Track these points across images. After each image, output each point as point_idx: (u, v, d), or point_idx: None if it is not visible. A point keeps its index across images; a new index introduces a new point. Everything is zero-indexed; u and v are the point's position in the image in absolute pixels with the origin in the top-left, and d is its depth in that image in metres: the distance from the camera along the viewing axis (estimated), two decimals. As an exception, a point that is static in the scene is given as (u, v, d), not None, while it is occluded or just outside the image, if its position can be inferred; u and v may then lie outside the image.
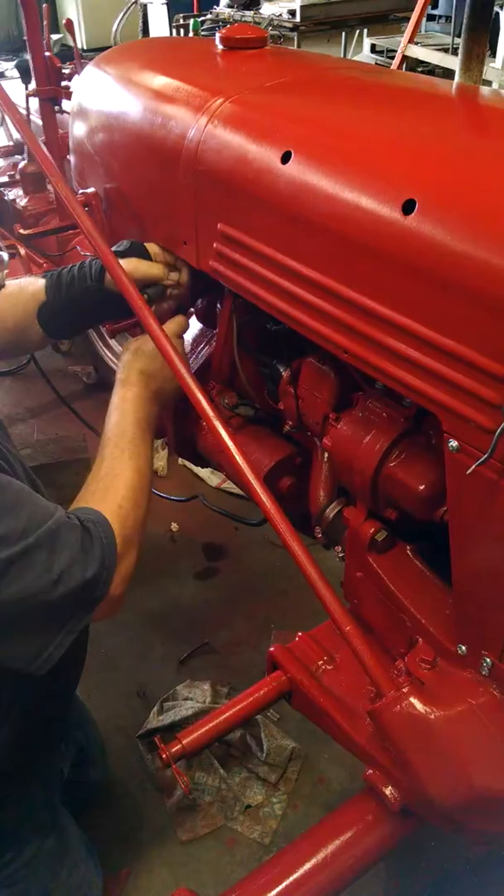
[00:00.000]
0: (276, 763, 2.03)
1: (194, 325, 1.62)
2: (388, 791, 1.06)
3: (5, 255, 1.05)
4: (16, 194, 3.49)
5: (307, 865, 1.04)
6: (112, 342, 3.48)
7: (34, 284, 1.38)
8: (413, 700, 0.99)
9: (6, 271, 1.06)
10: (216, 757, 2.04)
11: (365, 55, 6.87)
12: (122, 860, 1.85)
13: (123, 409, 1.26)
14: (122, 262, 1.30)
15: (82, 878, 1.50)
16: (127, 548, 1.11)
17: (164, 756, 1.14)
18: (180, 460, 3.05)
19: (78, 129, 1.60)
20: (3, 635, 1.00)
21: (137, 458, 1.21)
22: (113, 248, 1.30)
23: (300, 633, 1.30)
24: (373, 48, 6.86)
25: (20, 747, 1.22)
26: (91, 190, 1.59)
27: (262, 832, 1.92)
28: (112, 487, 1.16)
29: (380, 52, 6.76)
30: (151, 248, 1.38)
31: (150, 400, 1.29)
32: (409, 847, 1.77)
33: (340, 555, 1.31)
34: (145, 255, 1.36)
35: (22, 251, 3.27)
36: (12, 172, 3.57)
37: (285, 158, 1.05)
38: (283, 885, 1.03)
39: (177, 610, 2.55)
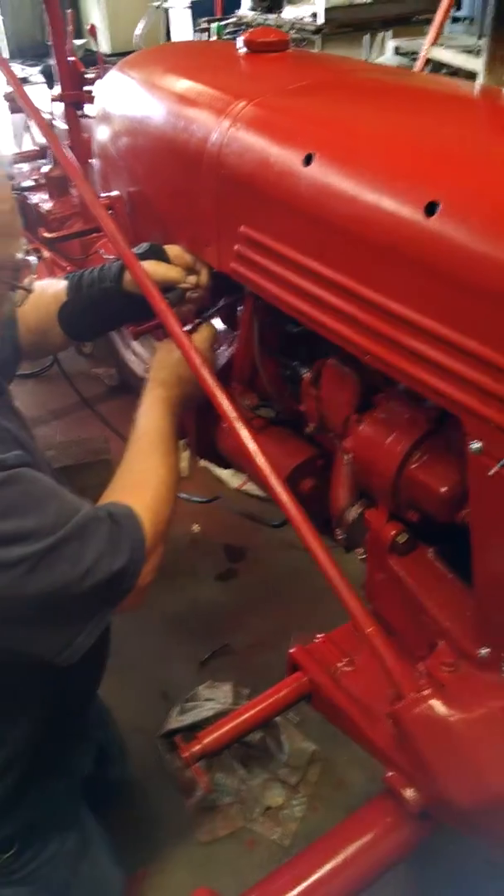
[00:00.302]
0: (297, 765, 2.03)
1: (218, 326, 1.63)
2: (407, 794, 1.06)
3: (33, 259, 1.07)
4: (40, 198, 3.53)
5: (326, 867, 1.04)
6: (134, 344, 3.50)
7: (56, 286, 1.40)
8: (434, 702, 0.98)
9: (34, 275, 1.08)
10: (236, 758, 2.04)
11: (388, 58, 6.84)
12: (141, 860, 1.86)
13: (159, 409, 1.29)
14: (141, 264, 1.31)
15: (102, 875, 1.51)
16: (156, 541, 1.13)
17: (184, 755, 1.15)
18: (202, 461, 3.06)
19: (102, 133, 1.62)
20: (33, 626, 1.01)
21: (169, 455, 1.24)
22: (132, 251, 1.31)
23: (320, 635, 1.30)
24: (396, 50, 6.83)
25: (43, 743, 1.24)
26: (114, 193, 1.61)
27: (282, 834, 1.92)
28: (146, 482, 1.18)
29: (403, 55, 6.73)
30: (171, 250, 1.39)
31: (181, 404, 1.33)
32: (429, 850, 1.76)
33: (361, 557, 1.31)
34: (164, 258, 1.37)
35: (46, 254, 3.31)
36: (37, 177, 3.61)
37: (307, 161, 1.05)
38: (302, 886, 1.03)
39: (197, 611, 2.55)
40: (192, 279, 1.39)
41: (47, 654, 1.05)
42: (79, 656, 1.05)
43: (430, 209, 0.87)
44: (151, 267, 1.34)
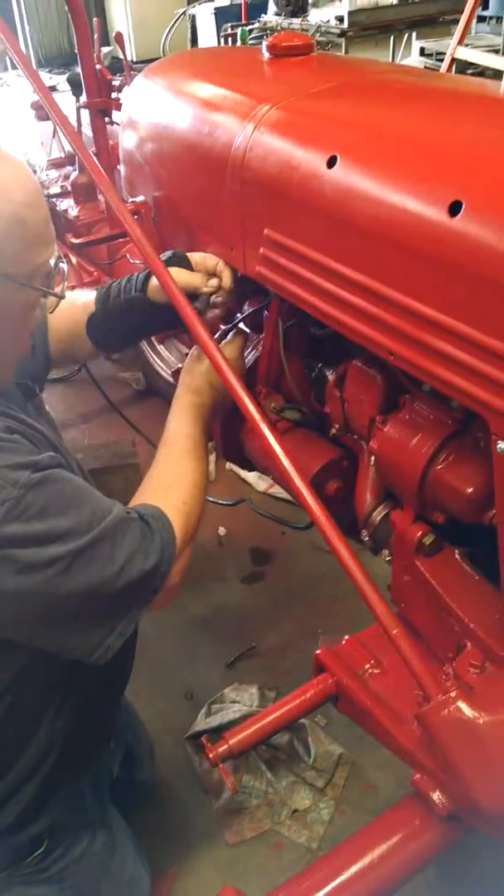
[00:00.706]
0: (324, 768, 2.03)
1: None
2: (435, 796, 1.05)
3: (65, 266, 1.08)
4: (68, 204, 3.57)
5: (353, 869, 1.04)
6: (160, 348, 3.53)
7: (86, 296, 1.42)
8: (461, 704, 0.98)
9: (66, 282, 1.09)
10: (263, 761, 2.04)
11: (414, 59, 6.82)
12: (169, 860, 1.87)
13: (192, 415, 1.31)
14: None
15: (130, 875, 1.52)
16: (185, 542, 1.15)
17: (210, 756, 1.15)
18: (228, 464, 3.07)
19: (128, 140, 1.63)
20: (67, 625, 1.03)
21: (199, 460, 1.26)
22: None
23: (347, 637, 1.30)
24: (422, 51, 6.80)
25: (71, 743, 1.25)
26: (140, 199, 1.63)
27: (310, 837, 1.92)
28: (176, 485, 1.20)
29: (429, 56, 6.70)
30: (194, 256, 1.40)
31: (212, 411, 1.34)
32: (460, 853, 1.74)
33: (388, 558, 1.31)
34: (186, 265, 1.38)
35: (73, 260, 3.34)
36: (64, 183, 3.66)
37: (331, 163, 1.06)
38: (329, 887, 1.03)
39: (224, 613, 2.56)
40: (213, 283, 1.39)
41: (80, 653, 1.06)
42: (111, 655, 1.06)
43: (454, 209, 0.87)
44: (173, 274, 1.35)
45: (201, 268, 1.39)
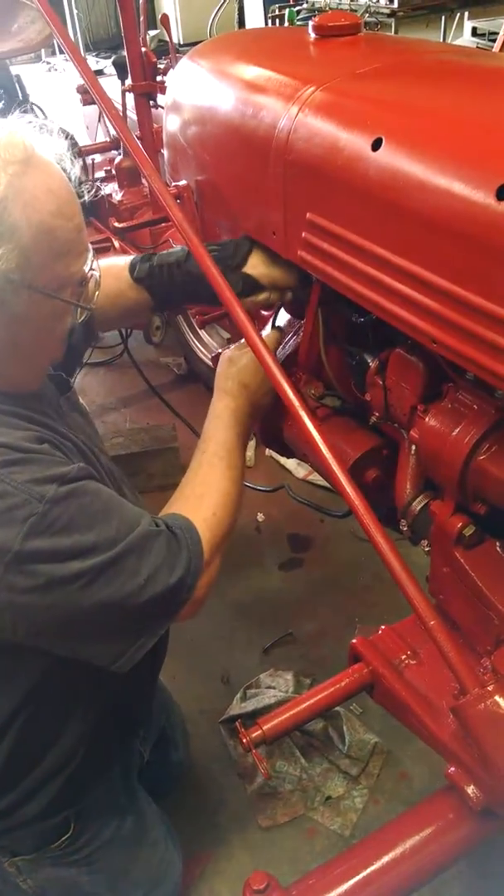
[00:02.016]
0: (358, 757, 2.02)
1: (282, 316, 1.62)
2: (469, 790, 1.04)
3: (98, 274, 1.05)
4: (112, 189, 3.59)
5: (384, 859, 1.03)
6: (202, 333, 3.53)
7: (122, 260, 1.44)
8: (498, 698, 0.96)
9: (98, 292, 1.07)
10: (298, 747, 2.05)
11: (466, 39, 6.66)
12: (201, 843, 1.89)
13: (225, 420, 1.29)
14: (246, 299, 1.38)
15: (161, 858, 1.53)
16: (213, 554, 1.13)
17: (244, 741, 1.16)
18: (267, 451, 3.07)
19: (171, 123, 1.63)
20: (89, 636, 1.03)
21: (234, 468, 1.25)
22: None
23: (384, 627, 1.29)
24: (474, 31, 6.64)
25: (103, 732, 1.26)
26: (183, 183, 1.62)
27: (343, 824, 1.92)
28: (207, 495, 1.19)
29: (481, 35, 6.53)
30: (255, 269, 1.40)
31: (249, 414, 1.33)
32: (497, 848, 1.73)
33: (427, 549, 1.29)
34: (256, 285, 1.40)
35: (116, 244, 3.36)
36: (109, 167, 3.67)
37: (376, 145, 1.03)
38: (360, 876, 1.02)
39: (261, 599, 2.57)
40: (286, 297, 1.43)
41: (102, 663, 1.06)
42: (133, 664, 1.06)
43: (502, 192, 0.85)
44: (251, 300, 1.40)
45: (267, 280, 1.41)
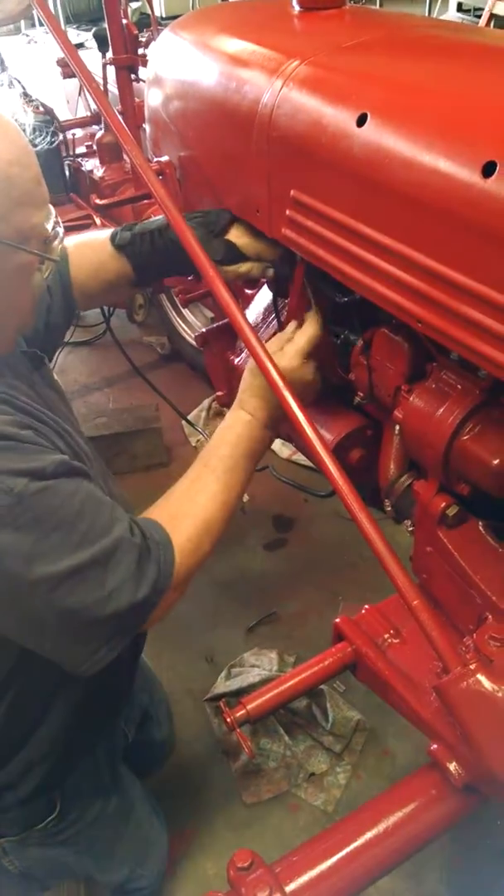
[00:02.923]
0: (341, 733, 2.04)
1: (266, 295, 1.61)
2: (452, 767, 1.05)
3: (62, 230, 1.02)
4: (93, 165, 3.53)
5: (368, 835, 1.04)
6: (185, 312, 3.50)
7: (103, 233, 1.41)
8: (480, 677, 0.97)
9: (63, 246, 1.04)
10: (281, 724, 2.06)
11: (451, 14, 6.60)
12: (186, 820, 1.91)
13: (235, 433, 1.22)
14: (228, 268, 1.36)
15: (146, 836, 1.55)
16: (183, 577, 1.09)
17: (228, 720, 1.16)
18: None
19: (153, 97, 1.60)
20: (51, 640, 1.00)
21: (229, 489, 1.18)
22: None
23: (367, 606, 1.29)
24: (459, 7, 6.59)
25: (87, 713, 1.25)
26: (165, 159, 1.59)
27: (326, 800, 1.94)
28: (194, 514, 1.14)
29: (466, 11, 6.49)
30: (239, 239, 1.38)
31: (263, 427, 1.24)
32: (475, 822, 1.76)
33: (410, 529, 1.29)
34: (237, 254, 1.38)
35: (98, 221, 3.31)
36: (90, 143, 3.61)
37: (361, 121, 1.02)
38: (343, 852, 1.03)
39: (246, 579, 2.58)
40: (268, 272, 1.41)
41: (67, 666, 1.04)
42: (99, 668, 1.03)
43: (489, 170, 0.84)
44: (233, 269, 1.37)
45: (251, 250, 1.39)
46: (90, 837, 1.40)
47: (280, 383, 1.14)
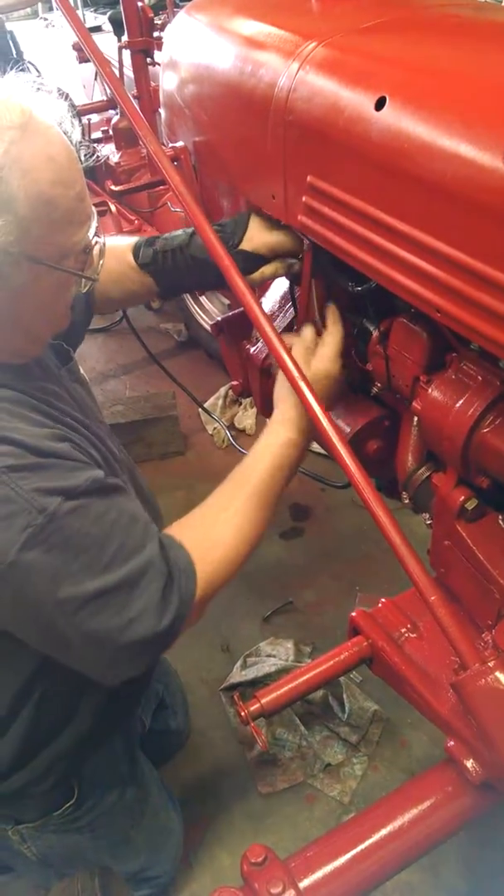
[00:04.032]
0: (358, 724, 2.03)
1: (282, 283, 1.59)
2: (469, 764, 1.03)
3: (103, 241, 1.01)
4: (109, 150, 3.51)
5: (383, 832, 1.03)
6: (202, 299, 3.48)
7: (125, 241, 1.40)
8: (499, 674, 0.95)
9: (102, 262, 1.03)
10: (297, 715, 2.06)
11: (473, -8, 6.47)
12: (202, 809, 1.91)
13: (272, 454, 1.17)
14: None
15: (162, 825, 1.55)
16: (201, 602, 1.07)
17: (242, 714, 1.15)
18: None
19: (168, 81, 1.57)
20: (73, 655, 1.01)
21: (261, 509, 1.14)
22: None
23: (383, 599, 1.28)
24: (481, -16, 6.45)
25: (107, 711, 1.25)
26: (180, 144, 1.57)
27: (342, 791, 1.93)
28: (221, 544, 1.11)
29: (489, -11, 6.35)
30: (262, 239, 1.37)
31: (299, 446, 1.20)
32: (493, 815, 1.75)
33: (428, 522, 1.27)
34: (259, 260, 1.37)
35: (113, 207, 3.29)
36: (106, 128, 3.59)
37: (379, 105, 0.99)
38: (358, 849, 1.02)
39: (262, 568, 2.56)
40: (296, 264, 1.38)
41: (91, 676, 1.04)
42: (121, 680, 1.04)
43: (511, 155, 0.81)
44: (258, 275, 1.37)
45: (282, 248, 1.37)
46: (107, 825, 1.40)
47: (297, 376, 1.13)
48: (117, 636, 0.96)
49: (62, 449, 0.96)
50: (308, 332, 1.30)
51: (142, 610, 0.97)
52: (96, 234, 0.99)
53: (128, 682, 1.17)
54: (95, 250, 1.00)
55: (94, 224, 0.98)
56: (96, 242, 0.99)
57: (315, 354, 1.26)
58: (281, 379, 1.23)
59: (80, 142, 0.97)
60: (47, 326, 1.05)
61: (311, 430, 1.19)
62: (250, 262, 1.36)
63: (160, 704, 1.71)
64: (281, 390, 1.23)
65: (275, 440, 1.18)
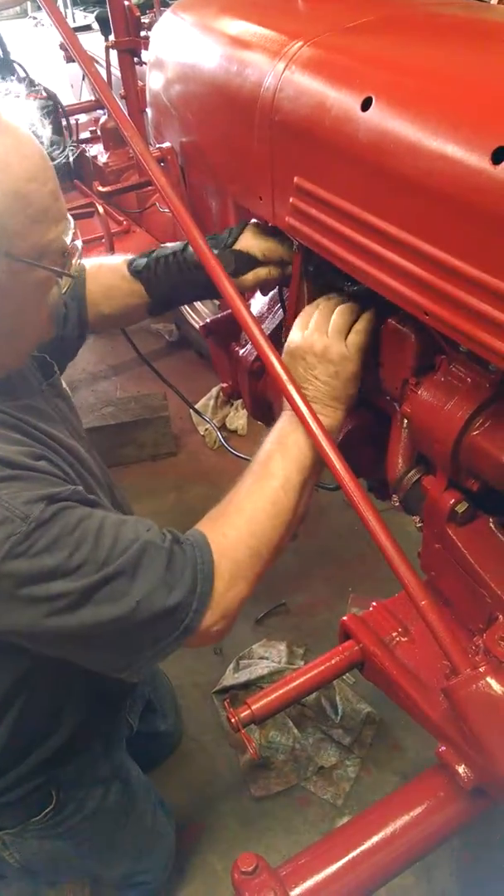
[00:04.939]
0: (351, 727, 2.03)
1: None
2: (460, 769, 1.02)
3: (80, 244, 1.01)
4: (97, 150, 3.49)
5: (374, 839, 1.02)
6: (193, 300, 3.47)
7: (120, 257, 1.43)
8: (490, 680, 0.94)
9: (80, 261, 1.03)
10: (291, 717, 2.05)
11: (462, -10, 6.47)
12: (196, 813, 1.90)
13: (288, 447, 1.14)
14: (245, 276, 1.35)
15: (150, 829, 1.53)
16: (232, 581, 1.03)
17: (233, 720, 1.14)
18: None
19: (154, 81, 1.56)
20: (87, 651, 0.99)
21: (288, 491, 1.12)
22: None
23: (375, 603, 1.27)
24: (471, -18, 6.45)
25: (89, 720, 1.25)
26: (167, 145, 1.56)
27: (335, 794, 1.93)
28: (240, 510, 1.08)
29: (478, -13, 6.35)
30: (257, 245, 1.37)
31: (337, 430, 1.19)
32: (486, 818, 1.74)
33: (418, 525, 1.26)
34: (252, 261, 1.36)
35: (101, 209, 3.28)
36: (94, 128, 3.57)
37: (365, 105, 0.98)
38: (350, 856, 1.01)
39: (254, 570, 2.55)
40: (288, 269, 1.37)
41: (107, 672, 1.03)
42: (142, 673, 1.02)
43: (498, 156, 0.80)
44: (252, 276, 1.36)
45: (273, 255, 1.37)
46: (90, 829, 1.39)
47: (282, 373, 1.12)
48: (129, 620, 0.94)
49: (40, 465, 0.95)
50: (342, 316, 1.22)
51: (149, 589, 0.95)
52: (74, 239, 0.99)
53: (109, 692, 1.16)
54: (75, 256, 1.00)
55: (70, 227, 0.98)
56: (74, 247, 0.99)
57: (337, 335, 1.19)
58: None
59: (53, 141, 0.97)
60: (30, 331, 1.03)
61: (339, 405, 1.17)
62: (242, 262, 1.36)
63: (148, 707, 1.69)
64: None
65: (294, 429, 1.15)
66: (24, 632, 0.94)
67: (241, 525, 1.06)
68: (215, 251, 1.34)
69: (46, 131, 0.97)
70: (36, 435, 1.02)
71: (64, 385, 1.26)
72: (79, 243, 1.01)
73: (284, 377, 1.12)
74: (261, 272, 1.38)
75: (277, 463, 1.12)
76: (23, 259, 0.92)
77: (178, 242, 1.40)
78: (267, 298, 1.58)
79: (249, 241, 1.38)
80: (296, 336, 1.21)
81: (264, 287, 1.46)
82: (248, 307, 1.18)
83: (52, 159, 0.96)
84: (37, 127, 0.95)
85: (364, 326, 1.20)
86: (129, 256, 1.43)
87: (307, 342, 1.19)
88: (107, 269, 1.41)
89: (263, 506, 1.09)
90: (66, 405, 1.21)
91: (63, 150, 1.06)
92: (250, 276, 1.37)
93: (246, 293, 1.50)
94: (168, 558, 0.97)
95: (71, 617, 0.92)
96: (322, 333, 1.19)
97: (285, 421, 1.16)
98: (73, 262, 1.01)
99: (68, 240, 0.98)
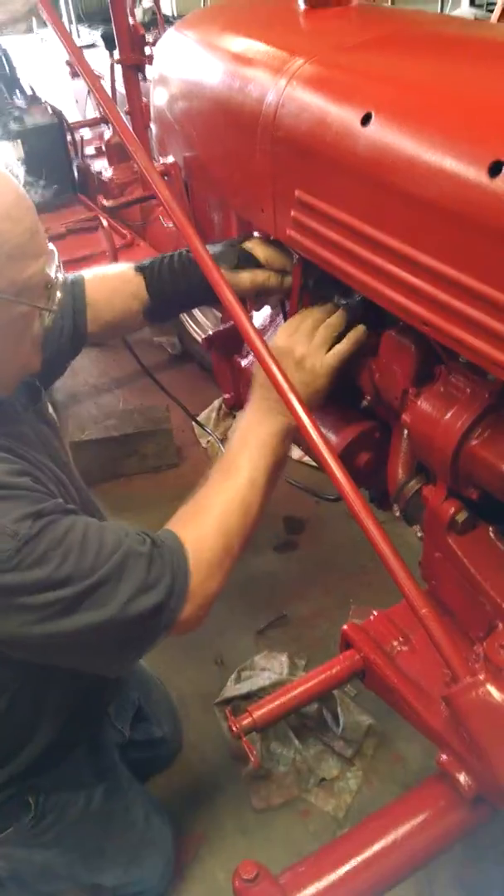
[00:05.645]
0: (352, 738, 2.03)
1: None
2: (461, 778, 1.03)
3: (62, 276, 1.04)
4: (101, 166, 3.53)
5: (375, 847, 1.03)
6: (196, 312, 3.49)
7: (118, 269, 1.45)
8: (490, 687, 0.95)
9: (61, 296, 1.04)
10: (292, 728, 2.05)
11: (464, 10, 6.53)
12: (196, 823, 1.89)
13: (265, 444, 1.19)
14: (244, 273, 1.37)
15: (141, 837, 1.52)
16: (206, 576, 1.08)
17: (234, 729, 1.15)
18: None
19: (158, 97, 1.58)
20: (73, 655, 1.03)
21: (252, 486, 1.17)
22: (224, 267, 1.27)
23: (375, 612, 1.27)
24: (472, 1, 6.53)
25: (68, 728, 1.25)
26: (170, 160, 1.58)
27: (337, 806, 1.92)
28: (207, 509, 1.12)
29: (479, 6, 6.42)
30: (261, 251, 1.39)
31: (288, 438, 1.22)
32: (488, 825, 1.74)
33: (419, 535, 1.27)
34: (253, 261, 1.38)
35: (105, 222, 3.31)
36: (99, 144, 3.61)
37: (365, 120, 1.00)
38: (350, 865, 1.02)
39: (255, 581, 2.56)
40: (287, 281, 1.39)
41: (92, 672, 1.07)
42: (130, 668, 1.06)
43: (495, 169, 0.82)
44: (250, 276, 1.37)
45: (275, 263, 1.39)
46: (75, 837, 1.39)
47: (286, 386, 1.13)
48: (115, 620, 0.98)
49: (24, 482, 0.98)
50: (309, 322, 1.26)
51: (132, 592, 0.99)
52: (56, 272, 1.01)
53: (90, 699, 1.18)
54: (57, 290, 1.02)
55: (53, 261, 1.00)
56: (56, 279, 1.01)
57: (314, 352, 1.23)
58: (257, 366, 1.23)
59: (27, 181, 0.99)
60: (13, 363, 1.05)
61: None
62: (243, 259, 1.38)
63: (141, 715, 1.68)
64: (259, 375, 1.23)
65: (259, 431, 1.20)
66: (11, 640, 0.97)
67: (212, 523, 1.11)
68: (220, 247, 1.38)
69: (20, 170, 0.99)
70: (20, 453, 1.05)
71: (51, 410, 1.28)
72: (61, 275, 1.03)
73: (285, 386, 1.13)
74: (259, 276, 1.39)
75: (244, 459, 1.16)
76: (1, 295, 0.94)
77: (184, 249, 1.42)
78: (269, 311, 1.60)
79: (255, 245, 1.41)
80: (281, 337, 1.25)
81: (261, 296, 1.47)
82: (249, 318, 1.20)
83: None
84: (13, 167, 0.97)
85: (343, 349, 1.24)
86: (131, 274, 1.44)
87: (288, 346, 1.23)
88: (112, 274, 1.44)
89: (231, 503, 1.13)
90: (51, 432, 1.23)
91: (38, 191, 1.08)
92: (248, 277, 1.38)
93: (246, 301, 1.51)
94: (149, 562, 1.01)
95: (58, 623, 0.95)
96: (305, 341, 1.22)
97: (249, 415, 1.20)
98: (56, 292, 1.02)
99: (52, 272, 1.00)
